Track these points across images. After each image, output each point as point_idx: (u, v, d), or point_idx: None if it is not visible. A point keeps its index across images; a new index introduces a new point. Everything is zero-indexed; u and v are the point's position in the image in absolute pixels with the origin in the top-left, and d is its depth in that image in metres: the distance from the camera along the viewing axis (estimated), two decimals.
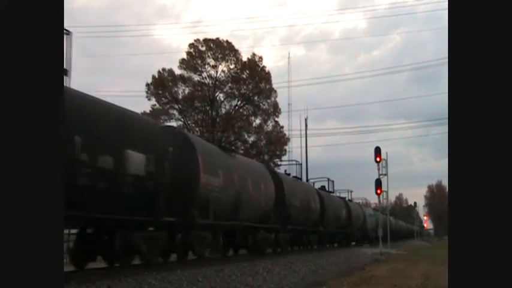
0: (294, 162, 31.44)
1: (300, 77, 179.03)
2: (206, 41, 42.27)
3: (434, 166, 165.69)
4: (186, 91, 42.86)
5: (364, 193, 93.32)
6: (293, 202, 21.56)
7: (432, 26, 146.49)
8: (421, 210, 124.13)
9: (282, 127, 44.89)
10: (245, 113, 44.32)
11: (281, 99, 45.00)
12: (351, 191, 42.20)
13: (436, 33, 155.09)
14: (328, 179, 33.79)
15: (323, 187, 32.39)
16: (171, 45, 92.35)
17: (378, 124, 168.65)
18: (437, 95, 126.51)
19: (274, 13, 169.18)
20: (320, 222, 26.94)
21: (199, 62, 42.26)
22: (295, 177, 26.30)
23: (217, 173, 14.56)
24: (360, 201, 48.12)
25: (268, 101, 43.52)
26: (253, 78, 42.53)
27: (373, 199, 50.96)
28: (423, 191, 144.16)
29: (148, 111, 40.66)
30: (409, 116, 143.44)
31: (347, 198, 39.19)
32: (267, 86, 43.15)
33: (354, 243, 38.79)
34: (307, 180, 36.74)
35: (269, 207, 18.53)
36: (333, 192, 34.21)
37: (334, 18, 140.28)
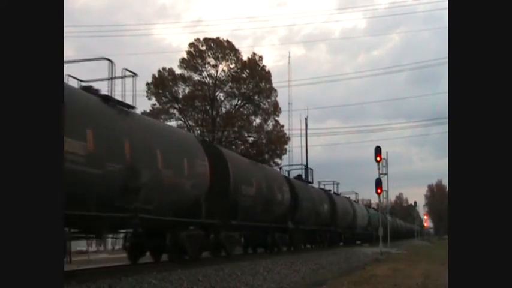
0: (301, 166, 33.28)
1: (300, 77, 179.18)
2: (206, 40, 42.26)
3: (434, 165, 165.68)
4: (187, 90, 42.87)
5: (363, 193, 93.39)
6: (304, 205, 24.35)
7: (432, 26, 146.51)
8: (422, 210, 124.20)
9: (282, 126, 44.91)
10: (245, 112, 44.31)
11: (281, 98, 45.04)
12: (356, 193, 45.78)
13: (435, 33, 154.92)
14: (334, 182, 36.92)
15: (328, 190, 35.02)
16: (171, 45, 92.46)
17: (377, 124, 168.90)
18: (437, 94, 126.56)
19: (273, 13, 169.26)
20: (331, 223, 30.56)
21: (199, 61, 42.24)
22: (307, 181, 29.16)
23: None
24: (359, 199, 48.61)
25: (269, 100, 43.51)
26: (253, 77, 42.51)
27: (373, 199, 50.89)
28: (423, 190, 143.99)
29: (148, 110, 40.67)
30: (408, 116, 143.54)
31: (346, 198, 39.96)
32: (267, 86, 43.13)
33: (359, 242, 41.46)
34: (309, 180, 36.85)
35: (286, 210, 21.33)
36: (339, 194, 36.85)
37: (334, 18, 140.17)
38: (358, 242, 41.52)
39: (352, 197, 43.95)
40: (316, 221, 27.20)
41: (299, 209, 23.29)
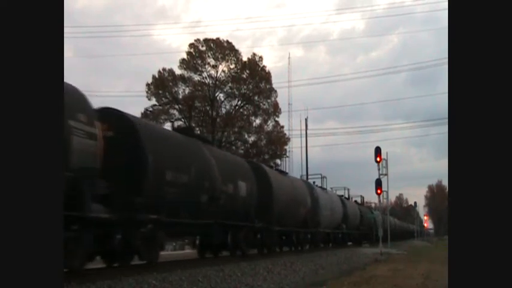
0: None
1: (299, 78, 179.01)
2: (206, 40, 42.27)
3: (433, 166, 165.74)
4: (187, 91, 42.88)
5: (363, 193, 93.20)
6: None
7: (430, 27, 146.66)
8: (421, 210, 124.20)
9: (282, 127, 44.92)
10: (245, 112, 44.31)
11: (280, 99, 45.05)
12: (363, 197, 46.43)
13: (434, 34, 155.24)
14: (361, 196, 41.54)
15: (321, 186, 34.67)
16: (170, 46, 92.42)
17: (376, 124, 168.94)
18: (435, 95, 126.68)
19: (272, 14, 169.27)
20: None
21: (199, 61, 42.25)
22: (344, 197, 34.70)
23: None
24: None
25: (269, 100, 43.52)
26: (253, 78, 42.51)
27: (373, 199, 50.73)
28: (423, 191, 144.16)
29: (148, 111, 40.69)
30: (407, 116, 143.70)
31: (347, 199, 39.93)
32: (267, 86, 43.14)
33: (350, 243, 38.05)
34: (304, 178, 36.78)
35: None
36: (349, 199, 38.95)
37: (333, 19, 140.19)
38: (350, 243, 36.88)
39: (357, 198, 44.44)
40: (354, 225, 31.53)
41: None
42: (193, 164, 13.32)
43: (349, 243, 35.78)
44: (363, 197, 47.20)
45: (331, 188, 35.39)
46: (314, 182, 30.16)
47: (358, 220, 37.50)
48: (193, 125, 42.52)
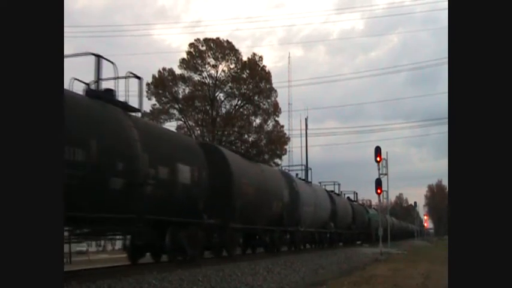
0: (301, 167, 31.25)
1: (299, 78, 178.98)
2: (206, 40, 42.26)
3: (433, 166, 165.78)
4: (187, 91, 42.88)
5: (363, 193, 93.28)
6: (305, 206, 23.44)
7: (430, 27, 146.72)
8: (421, 210, 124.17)
9: (282, 127, 44.93)
10: (245, 112, 44.32)
11: (280, 99, 45.05)
12: (356, 193, 43.49)
13: (433, 34, 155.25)
14: (354, 192, 39.07)
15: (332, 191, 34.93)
16: (170, 46, 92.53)
17: (376, 124, 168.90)
18: (435, 94, 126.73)
19: (272, 14, 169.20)
20: (352, 225, 34.29)
21: (199, 61, 42.25)
22: (334, 192, 32.45)
23: (247, 182, 16.51)
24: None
25: (269, 100, 43.53)
26: (253, 77, 42.51)
27: (373, 198, 50.36)
28: (423, 190, 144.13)
29: (148, 111, 40.70)
30: (407, 116, 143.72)
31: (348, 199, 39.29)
32: (267, 86, 43.14)
33: (341, 244, 34.45)
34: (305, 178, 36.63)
35: (285, 209, 20.45)
36: (340, 195, 36.78)
37: (332, 19, 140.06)
38: (341, 243, 32.52)
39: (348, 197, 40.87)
40: (362, 225, 31.54)
41: (355, 219, 33.85)
42: (96, 135, 9.67)
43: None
44: (357, 193, 43.15)
45: (320, 183, 32.50)
46: (297, 175, 26.51)
47: (350, 218, 34.34)
48: (193, 124, 42.60)
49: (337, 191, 34.64)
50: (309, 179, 28.24)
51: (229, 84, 42.72)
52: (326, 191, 30.74)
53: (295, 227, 21.85)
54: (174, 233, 12.30)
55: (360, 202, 45.63)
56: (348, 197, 39.54)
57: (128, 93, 11.56)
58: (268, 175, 19.81)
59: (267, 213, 18.43)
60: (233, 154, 17.82)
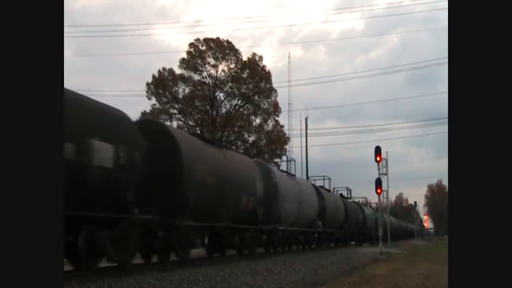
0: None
1: (299, 78, 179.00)
2: (206, 40, 42.33)
3: (433, 166, 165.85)
4: (187, 90, 42.91)
5: (363, 192, 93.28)
6: (286, 202, 20.31)
7: (429, 27, 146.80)
8: (421, 210, 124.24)
9: (282, 126, 44.98)
10: (245, 112, 44.38)
11: (280, 99, 45.10)
12: (350, 189, 39.90)
13: (433, 34, 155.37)
14: (347, 188, 37.55)
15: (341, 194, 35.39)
16: (170, 45, 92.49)
17: (376, 124, 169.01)
18: (435, 94, 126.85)
19: (272, 14, 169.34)
20: (344, 224, 31.84)
21: (199, 61, 42.32)
22: (324, 188, 30.31)
23: (202, 169, 13.72)
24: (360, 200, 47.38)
25: (269, 100, 43.58)
26: (253, 77, 42.55)
27: (373, 198, 50.05)
28: (423, 190, 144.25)
29: (148, 110, 40.73)
30: (407, 116, 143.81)
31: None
32: (267, 86, 43.18)
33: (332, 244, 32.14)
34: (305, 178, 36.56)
35: (258, 205, 17.38)
36: (366, 205, 37.79)
37: (332, 19, 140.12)
38: (332, 244, 30.40)
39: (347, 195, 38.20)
40: (356, 225, 33.15)
41: (348, 218, 31.21)
42: None
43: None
44: (350, 190, 38.92)
45: (309, 178, 31.57)
46: (292, 171, 24.28)
47: (342, 217, 31.38)
48: (193, 124, 42.63)
49: (327, 187, 31.72)
50: (294, 172, 25.23)
51: (229, 84, 42.79)
52: (313, 185, 27.73)
53: (272, 226, 18.51)
54: (90, 232, 9.51)
55: (355, 200, 41.47)
56: (341, 194, 36.33)
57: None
58: (236, 163, 16.41)
59: (232, 208, 15.22)
60: (185, 134, 15.60)
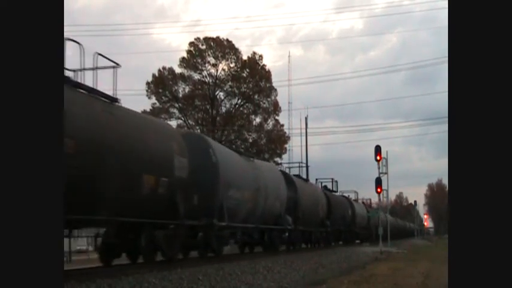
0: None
1: (298, 77, 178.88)
2: (206, 39, 42.28)
3: (433, 165, 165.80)
4: (187, 90, 42.89)
5: (363, 193, 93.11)
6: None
7: (428, 26, 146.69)
8: (421, 209, 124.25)
9: (282, 125, 44.96)
10: (245, 111, 44.36)
11: (280, 98, 45.07)
12: (336, 181, 35.14)
13: (432, 33, 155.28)
14: (300, 163, 32.59)
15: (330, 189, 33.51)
16: (170, 45, 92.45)
17: (376, 123, 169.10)
18: (434, 94, 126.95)
19: (271, 13, 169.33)
20: (326, 220, 27.22)
21: (199, 60, 42.27)
22: (329, 189, 30.54)
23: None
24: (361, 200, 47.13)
25: (269, 99, 43.56)
26: (253, 76, 42.53)
27: (373, 197, 49.79)
28: (423, 189, 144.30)
29: (148, 109, 40.70)
30: (406, 115, 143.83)
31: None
32: (267, 85, 43.16)
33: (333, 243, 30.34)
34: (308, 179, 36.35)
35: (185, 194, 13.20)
36: (357, 201, 36.76)
37: (331, 18, 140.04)
38: (333, 243, 28.96)
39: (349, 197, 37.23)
40: (361, 225, 33.16)
41: (355, 218, 32.81)
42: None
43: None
44: (337, 182, 33.23)
45: (280, 164, 28.79)
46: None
47: (322, 212, 26.08)
48: (193, 123, 42.63)
49: (335, 190, 31.86)
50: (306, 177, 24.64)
51: (229, 83, 42.76)
52: (283, 172, 22.00)
53: (207, 220, 13.50)
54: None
55: (344, 194, 36.86)
56: (325, 186, 31.55)
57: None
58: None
59: (143, 198, 10.92)
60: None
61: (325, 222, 27.15)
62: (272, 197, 18.42)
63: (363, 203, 45.42)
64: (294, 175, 24.18)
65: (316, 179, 31.91)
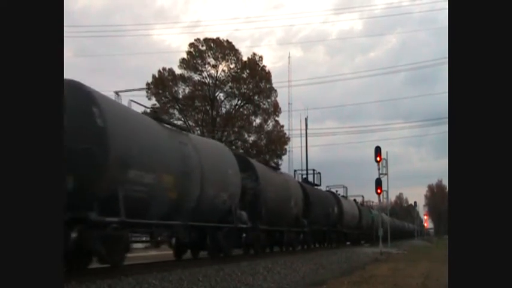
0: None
1: (298, 78, 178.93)
2: (206, 40, 42.30)
3: (433, 166, 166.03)
4: (187, 90, 42.90)
5: (363, 192, 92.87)
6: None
7: (428, 27, 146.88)
8: (421, 210, 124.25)
9: (282, 126, 44.97)
10: (245, 112, 44.36)
11: (280, 99, 45.10)
12: (319, 173, 31.83)
13: (432, 34, 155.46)
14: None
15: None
16: (170, 46, 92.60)
17: (376, 124, 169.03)
18: (434, 94, 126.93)
19: (271, 15, 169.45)
20: (302, 219, 21.98)
21: (199, 61, 42.29)
22: (315, 184, 28.90)
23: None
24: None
25: (269, 100, 43.57)
26: (253, 77, 42.54)
27: (374, 199, 49.75)
28: (423, 190, 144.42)
29: (148, 111, 40.64)
30: (406, 116, 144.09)
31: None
32: (267, 86, 43.17)
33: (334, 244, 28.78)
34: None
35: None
36: (319, 185, 31.64)
37: (331, 19, 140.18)
38: (336, 244, 27.55)
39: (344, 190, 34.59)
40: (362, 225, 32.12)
41: (343, 217, 30.46)
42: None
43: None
44: (320, 173, 29.04)
45: (327, 187, 28.58)
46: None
47: (296, 209, 21.16)
48: (193, 124, 42.60)
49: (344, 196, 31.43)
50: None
51: (229, 84, 42.77)
52: (237, 155, 16.74)
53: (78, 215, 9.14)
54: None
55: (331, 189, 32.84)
56: (305, 178, 28.25)
57: None
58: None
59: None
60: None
61: (301, 220, 22.00)
62: (215, 185, 13.62)
63: (363, 204, 44.23)
64: (278, 168, 21.43)
65: (295, 170, 28.42)
